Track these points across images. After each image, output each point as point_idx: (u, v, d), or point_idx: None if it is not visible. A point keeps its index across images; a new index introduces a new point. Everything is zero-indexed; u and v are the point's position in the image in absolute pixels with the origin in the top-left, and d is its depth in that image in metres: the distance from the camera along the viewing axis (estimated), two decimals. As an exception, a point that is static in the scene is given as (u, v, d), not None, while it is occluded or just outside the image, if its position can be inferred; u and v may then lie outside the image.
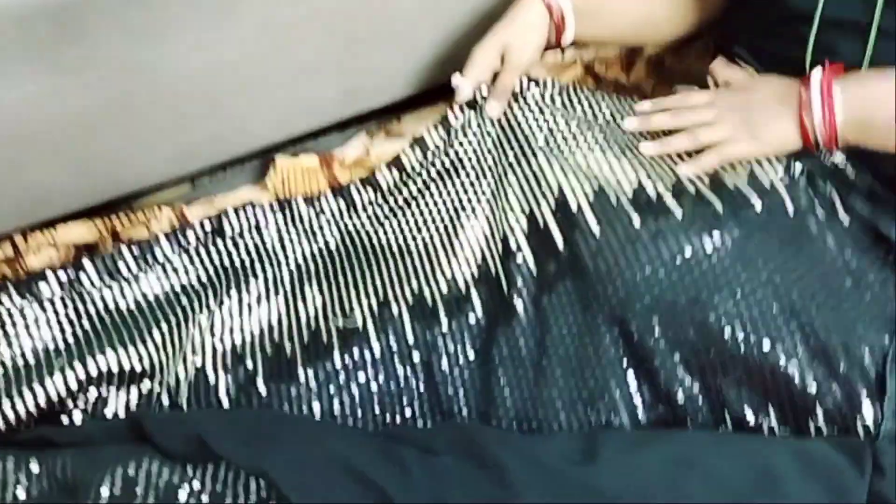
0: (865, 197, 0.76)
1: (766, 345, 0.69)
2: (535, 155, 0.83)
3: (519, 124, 0.86)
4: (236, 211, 0.83)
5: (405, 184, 0.86)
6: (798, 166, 0.77)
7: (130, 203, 0.89)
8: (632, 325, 0.71)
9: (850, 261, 0.74)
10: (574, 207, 0.77)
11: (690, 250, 0.72)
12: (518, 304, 0.75)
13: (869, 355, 0.69)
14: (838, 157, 0.78)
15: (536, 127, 0.85)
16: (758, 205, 0.74)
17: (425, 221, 0.84)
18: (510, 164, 0.84)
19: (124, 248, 0.80)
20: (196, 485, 0.65)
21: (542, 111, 0.86)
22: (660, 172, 0.78)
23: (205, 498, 0.65)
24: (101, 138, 0.78)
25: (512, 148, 0.85)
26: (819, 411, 0.68)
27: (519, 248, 0.78)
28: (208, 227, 0.83)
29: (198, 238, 0.82)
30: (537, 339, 0.74)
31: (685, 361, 0.70)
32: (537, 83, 0.88)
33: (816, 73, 0.74)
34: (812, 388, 0.68)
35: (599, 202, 0.77)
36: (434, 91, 0.94)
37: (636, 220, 0.74)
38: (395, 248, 0.83)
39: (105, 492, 0.64)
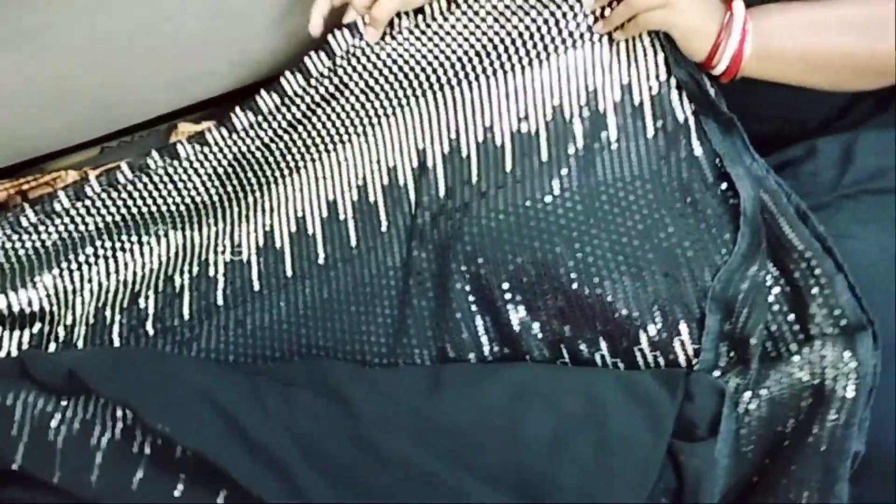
0: (724, 130, 0.80)
1: (596, 280, 0.75)
2: (424, 94, 0.85)
3: (407, 56, 0.86)
4: (129, 165, 0.89)
5: (287, 107, 0.88)
6: (673, 81, 0.81)
7: (41, 166, 0.95)
8: (481, 269, 0.77)
9: (692, 190, 0.78)
10: (464, 153, 0.83)
11: (541, 194, 0.78)
12: (391, 242, 0.81)
13: (692, 289, 0.74)
14: (713, 94, 0.80)
15: (426, 62, 0.86)
16: (613, 132, 0.80)
17: (307, 146, 0.88)
18: (399, 102, 0.86)
19: (27, 206, 0.86)
20: (68, 413, 0.72)
21: (430, 40, 0.86)
22: (546, 97, 0.82)
23: (76, 424, 0.71)
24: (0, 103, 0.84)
25: (401, 84, 0.86)
26: (644, 341, 0.74)
27: (405, 185, 0.84)
28: (104, 180, 0.87)
29: (94, 191, 0.87)
30: (403, 279, 0.80)
31: (526, 303, 0.76)
32: (423, 13, 0.87)
33: (740, 3, 0.76)
34: (637, 320, 0.74)
35: (485, 144, 0.82)
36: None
37: (508, 163, 0.80)
38: (278, 173, 0.88)
39: (-18, 419, 0.70)
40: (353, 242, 0.83)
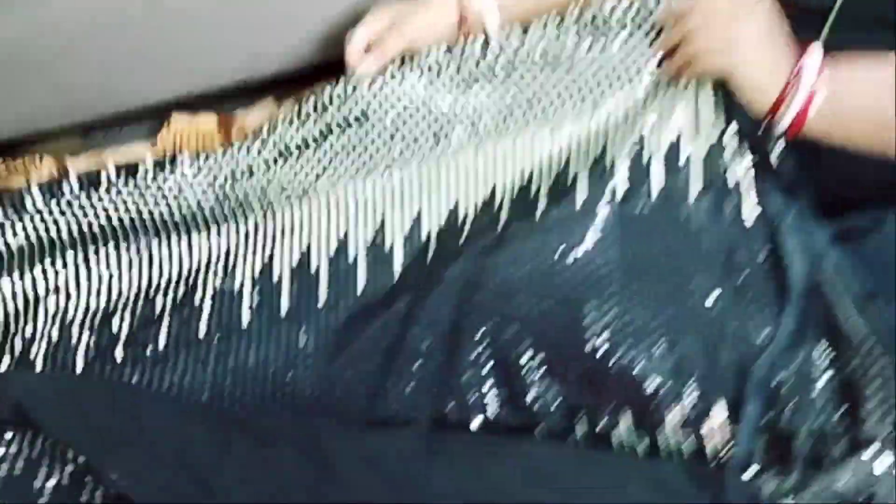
0: (786, 194, 0.71)
1: (626, 348, 0.66)
2: (462, 144, 0.78)
3: (436, 104, 0.79)
4: (116, 167, 0.80)
5: (302, 122, 0.79)
6: (728, 138, 0.72)
7: (16, 150, 0.86)
8: (499, 324, 0.69)
9: (736, 260, 0.70)
10: (497, 200, 0.75)
11: (571, 245, 0.69)
12: (402, 289, 0.73)
13: (732, 369, 0.66)
14: (779, 153, 0.72)
15: (461, 108, 0.78)
16: (656, 187, 0.71)
17: (321, 171, 0.79)
18: (430, 147, 0.78)
19: (-10, 195, 0.77)
20: (12, 448, 0.64)
21: (460, 87, 0.79)
22: (592, 141, 0.74)
23: (19, 462, 0.63)
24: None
25: (432, 129, 0.78)
26: (672, 419, 0.65)
27: (429, 234, 0.75)
28: (85, 180, 0.78)
29: (72, 190, 0.78)
30: (404, 331, 0.71)
31: (546, 364, 0.68)
32: (450, 52, 0.79)
33: (817, 53, 0.68)
34: (667, 395, 0.65)
35: (521, 193, 0.74)
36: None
37: (540, 208, 0.72)
38: (285, 196, 0.79)
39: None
40: (360, 288, 0.74)
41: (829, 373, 0.66)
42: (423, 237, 0.75)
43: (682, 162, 0.72)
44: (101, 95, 0.84)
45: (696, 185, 0.71)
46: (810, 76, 0.67)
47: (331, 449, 0.63)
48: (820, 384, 0.66)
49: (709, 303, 0.68)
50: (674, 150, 0.72)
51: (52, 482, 0.62)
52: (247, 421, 0.67)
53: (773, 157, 0.71)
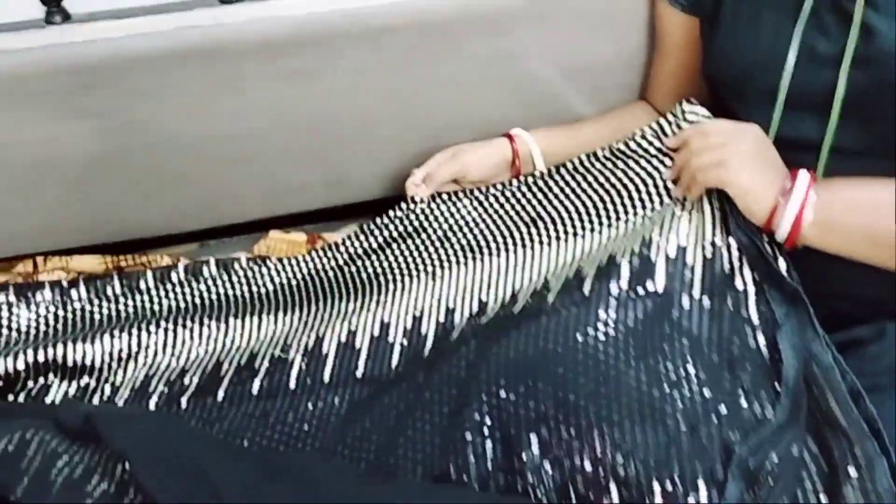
0: (789, 301, 0.76)
1: (616, 424, 0.70)
2: (495, 252, 0.92)
3: (476, 223, 0.94)
4: (217, 262, 0.96)
5: (366, 236, 0.96)
6: (733, 245, 0.79)
7: (146, 250, 1.03)
8: (502, 394, 0.75)
9: (732, 352, 0.75)
10: (518, 299, 0.85)
11: (576, 329, 0.77)
12: (428, 366, 0.81)
13: (718, 449, 0.68)
14: (782, 264, 0.77)
15: (494, 226, 0.93)
16: (661, 282, 0.79)
17: (375, 274, 0.94)
18: (469, 254, 0.92)
19: (115, 276, 0.94)
20: (76, 457, 0.74)
21: (502, 209, 0.94)
22: (604, 251, 0.84)
23: (79, 469, 0.73)
24: (107, 182, 0.94)
25: (475, 238, 0.93)
26: (658, 495, 0.67)
27: (460, 323, 0.85)
28: (190, 270, 0.95)
29: (178, 278, 0.94)
30: (419, 395, 0.79)
31: (541, 437, 0.73)
32: (497, 185, 0.95)
33: (805, 172, 0.76)
34: (653, 471, 0.68)
35: (539, 292, 0.84)
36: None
37: (550, 297, 0.80)
38: (343, 291, 0.93)
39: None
40: (395, 363, 0.84)
41: (817, 459, 0.68)
42: (455, 325, 0.85)
43: (686, 264, 0.79)
44: (213, 211, 1.01)
45: (697, 285, 0.78)
46: (802, 186, 0.74)
47: (326, 484, 0.70)
48: (806, 468, 0.67)
49: (702, 385, 0.72)
50: (680, 253, 0.80)
51: (101, 488, 0.72)
52: (263, 455, 0.76)
53: (778, 269, 0.77)
